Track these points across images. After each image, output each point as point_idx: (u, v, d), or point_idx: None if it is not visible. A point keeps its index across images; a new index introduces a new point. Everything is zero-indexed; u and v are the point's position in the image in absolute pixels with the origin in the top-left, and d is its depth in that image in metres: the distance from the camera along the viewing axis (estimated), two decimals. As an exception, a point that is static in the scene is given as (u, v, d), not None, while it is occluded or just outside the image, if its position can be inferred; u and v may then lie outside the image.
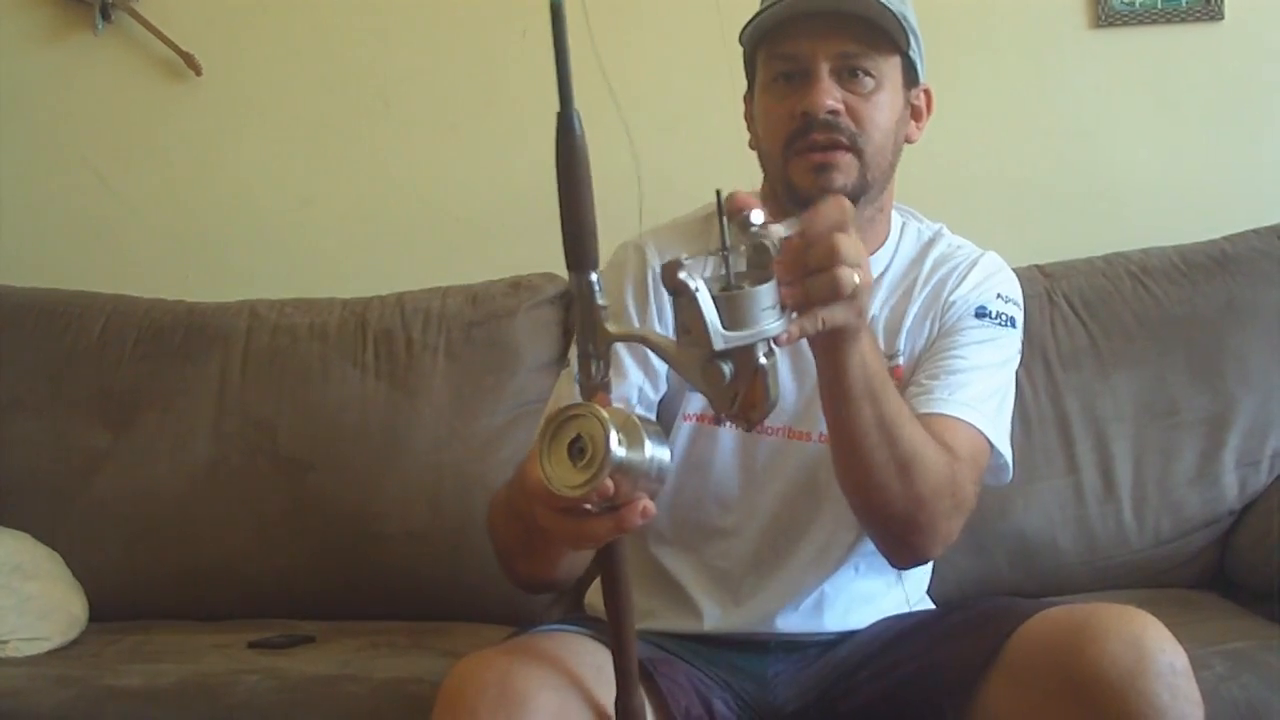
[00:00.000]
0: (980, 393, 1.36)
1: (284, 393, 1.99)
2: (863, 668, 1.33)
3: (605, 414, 0.92)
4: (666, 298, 1.35)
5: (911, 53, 1.36)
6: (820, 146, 1.32)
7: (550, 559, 1.26)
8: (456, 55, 2.25)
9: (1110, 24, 2.20)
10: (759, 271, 1.00)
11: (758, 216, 0.99)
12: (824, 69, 1.32)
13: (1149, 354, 1.95)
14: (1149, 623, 1.13)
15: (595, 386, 0.99)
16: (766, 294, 0.97)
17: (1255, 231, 2.03)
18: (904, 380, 1.39)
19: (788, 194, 1.35)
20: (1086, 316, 1.98)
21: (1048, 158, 2.21)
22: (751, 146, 1.43)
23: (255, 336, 2.03)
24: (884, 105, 1.35)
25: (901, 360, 1.40)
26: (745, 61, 1.43)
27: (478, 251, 2.23)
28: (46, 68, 2.26)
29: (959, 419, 1.32)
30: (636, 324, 1.39)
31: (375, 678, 1.53)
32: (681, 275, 0.95)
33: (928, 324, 1.41)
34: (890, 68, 1.35)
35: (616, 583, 1.07)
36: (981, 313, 1.40)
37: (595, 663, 1.17)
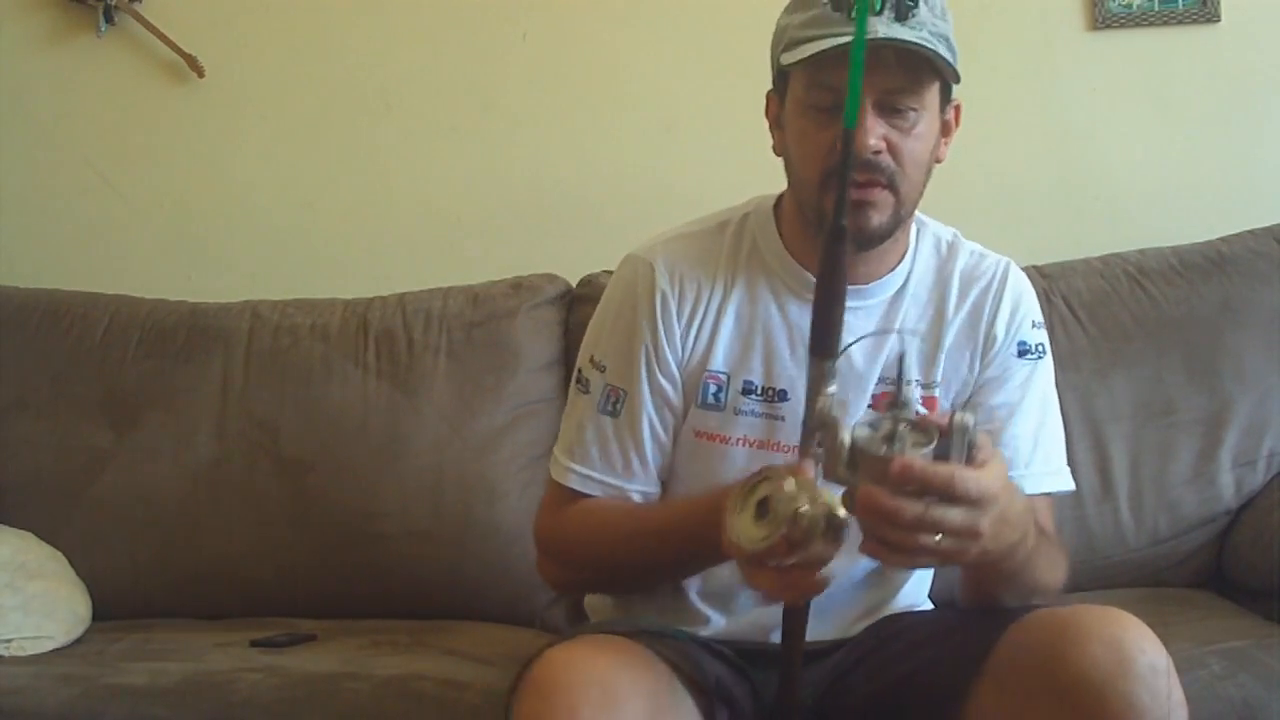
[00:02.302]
0: (1049, 447, 1.39)
1: (286, 393, 2.00)
2: (855, 669, 1.34)
3: (794, 483, 1.02)
4: (675, 318, 1.36)
5: (950, 76, 1.31)
6: (858, 184, 1.28)
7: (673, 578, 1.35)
8: (457, 57, 2.26)
9: (1107, 26, 2.21)
10: (924, 432, 1.05)
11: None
12: (868, 106, 1.27)
13: (1146, 354, 1.96)
14: (1130, 624, 1.13)
15: (807, 453, 1.08)
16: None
17: (1251, 232, 2.04)
18: (938, 409, 1.39)
19: (819, 223, 1.32)
20: (1084, 317, 1.98)
21: (1045, 159, 2.22)
22: (776, 152, 1.39)
23: (257, 337, 2.03)
24: (924, 137, 1.31)
25: (939, 391, 1.40)
26: (774, 61, 1.37)
27: (478, 252, 2.24)
28: (49, 69, 2.27)
29: (1043, 494, 1.36)
30: (647, 340, 1.39)
31: (377, 675, 1.53)
32: (835, 413, 1.06)
33: (967, 354, 1.41)
34: (931, 95, 1.31)
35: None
36: (1023, 350, 1.41)
37: (668, 671, 1.19)
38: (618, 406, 1.38)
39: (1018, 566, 1.17)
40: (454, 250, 2.25)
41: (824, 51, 1.26)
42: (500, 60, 2.25)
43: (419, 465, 1.94)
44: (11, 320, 2.06)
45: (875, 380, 1.39)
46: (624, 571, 1.38)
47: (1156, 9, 2.20)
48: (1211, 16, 2.19)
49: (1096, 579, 1.89)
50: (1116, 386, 1.95)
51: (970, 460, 1.05)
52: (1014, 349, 1.41)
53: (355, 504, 1.93)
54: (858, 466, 1.03)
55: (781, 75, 1.36)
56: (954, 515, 1.02)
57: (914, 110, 1.30)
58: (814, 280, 1.37)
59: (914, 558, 1.06)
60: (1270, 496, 1.89)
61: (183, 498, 1.96)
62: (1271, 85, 2.21)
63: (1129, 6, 2.20)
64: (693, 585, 1.42)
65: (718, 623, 1.41)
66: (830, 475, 1.06)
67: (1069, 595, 1.71)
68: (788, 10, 1.34)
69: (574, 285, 2.07)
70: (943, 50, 1.28)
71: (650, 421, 1.39)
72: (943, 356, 1.40)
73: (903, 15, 1.25)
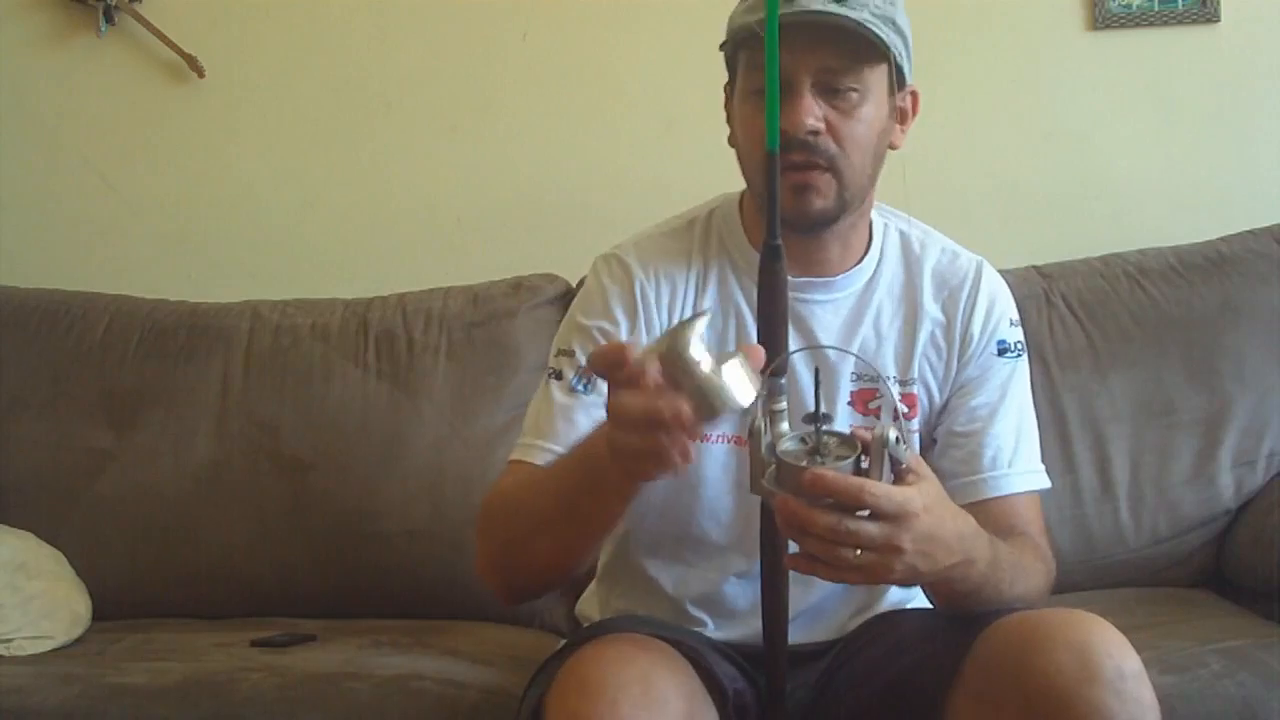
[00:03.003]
0: (1027, 446, 1.39)
1: (286, 393, 2.00)
2: (842, 670, 1.34)
3: (702, 327, 0.97)
4: (655, 310, 1.36)
5: (899, 58, 1.30)
6: (798, 166, 1.28)
7: (582, 536, 1.22)
8: (457, 57, 2.26)
9: (1107, 26, 2.21)
10: (849, 446, 1.04)
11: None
12: (805, 85, 1.27)
13: (1146, 354, 1.96)
14: (1096, 628, 1.12)
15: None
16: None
17: (1251, 232, 2.04)
18: (918, 407, 1.40)
19: (768, 209, 1.34)
20: (1084, 317, 1.98)
21: (1045, 159, 2.22)
22: (730, 143, 1.39)
23: (257, 337, 2.04)
24: (867, 119, 1.30)
25: (916, 388, 1.40)
26: (726, 58, 1.37)
27: (478, 252, 2.24)
28: (50, 70, 2.27)
29: (1023, 493, 1.36)
30: (625, 330, 1.37)
31: (377, 675, 1.53)
32: (759, 423, 1.05)
33: (944, 352, 1.41)
34: (876, 77, 1.30)
35: (774, 577, 1.12)
36: (1002, 348, 1.40)
37: (694, 672, 1.19)
38: (589, 386, 1.35)
39: (972, 589, 1.16)
40: (454, 250, 2.26)
41: (745, 26, 1.27)
42: (500, 60, 2.25)
43: (419, 465, 1.94)
44: (11, 320, 2.06)
45: (849, 375, 1.39)
46: (533, 521, 1.25)
47: (1156, 9, 2.20)
48: (1211, 16, 2.19)
49: (1096, 579, 1.89)
50: (1116, 386, 1.95)
51: (899, 478, 1.06)
52: (993, 348, 1.40)
53: (355, 504, 1.94)
54: (782, 479, 1.03)
55: (731, 66, 1.36)
56: (870, 529, 1.02)
57: (854, 91, 1.28)
58: None
59: (837, 572, 1.04)
60: (1270, 496, 1.89)
61: (183, 497, 1.96)
62: (1271, 85, 2.21)
63: (1129, 6, 2.20)
64: (683, 592, 1.42)
65: (712, 629, 1.42)
66: (755, 487, 1.06)
67: (1065, 595, 1.73)
68: (740, 3, 1.35)
69: (574, 285, 2.07)
70: (883, 31, 1.27)
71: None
72: (918, 353, 1.40)
73: None
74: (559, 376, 1.38)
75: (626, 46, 2.23)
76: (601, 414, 1.26)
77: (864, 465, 1.03)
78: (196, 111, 2.28)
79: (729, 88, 1.38)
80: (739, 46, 1.33)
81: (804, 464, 1.02)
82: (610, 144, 2.25)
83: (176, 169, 2.29)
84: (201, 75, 2.25)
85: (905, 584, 1.09)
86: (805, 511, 1.01)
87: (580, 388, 1.35)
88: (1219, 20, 2.20)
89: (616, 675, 1.10)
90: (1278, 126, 2.22)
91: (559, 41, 2.25)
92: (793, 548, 1.07)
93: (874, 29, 1.26)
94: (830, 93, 1.28)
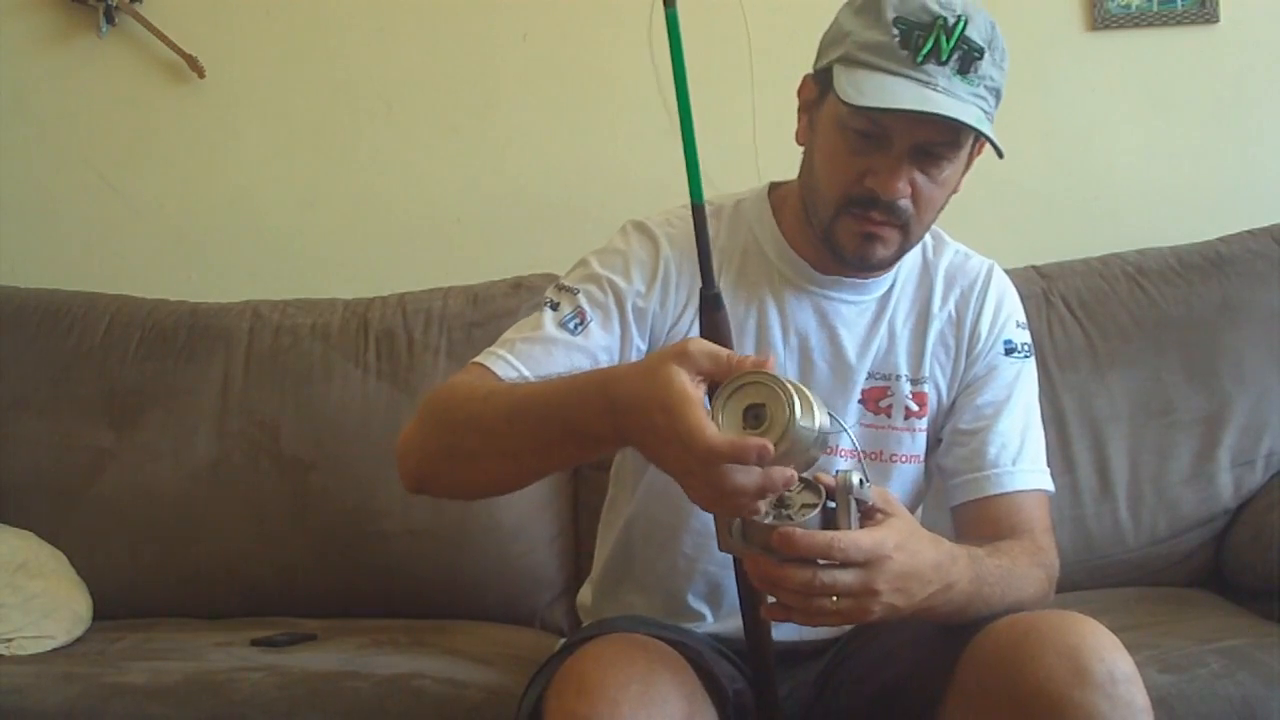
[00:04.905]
0: (1033, 445, 1.39)
1: (286, 393, 2.00)
2: (840, 670, 1.35)
3: (789, 386, 0.97)
4: (674, 290, 1.35)
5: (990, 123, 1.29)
6: (874, 220, 1.30)
7: (543, 470, 1.23)
8: (457, 57, 2.26)
9: (1106, 27, 2.21)
10: (814, 493, 1.05)
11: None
12: (905, 151, 1.27)
13: (1145, 354, 1.96)
14: (1087, 631, 1.12)
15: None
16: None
17: (1250, 232, 2.05)
18: (928, 405, 1.40)
19: (826, 240, 1.34)
20: (1083, 317, 1.99)
21: (1045, 159, 2.22)
22: (799, 140, 1.38)
23: (258, 337, 2.04)
24: (948, 182, 1.32)
25: (927, 386, 1.41)
26: (823, 53, 1.33)
27: (478, 252, 2.24)
28: (50, 70, 2.27)
29: (1029, 491, 1.36)
30: (639, 290, 1.36)
31: (377, 674, 1.54)
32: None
33: (952, 351, 1.42)
34: (967, 146, 1.32)
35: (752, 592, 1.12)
36: (1009, 348, 1.42)
37: (694, 673, 1.19)
38: (579, 327, 1.33)
39: (955, 610, 1.17)
40: (454, 250, 2.26)
41: (881, 95, 1.24)
42: (500, 60, 2.25)
43: (419, 465, 1.94)
44: (11, 320, 2.06)
45: (865, 374, 1.40)
46: (489, 440, 1.20)
47: (1155, 9, 2.21)
48: (1210, 17, 2.20)
49: (1095, 578, 1.89)
50: (1115, 386, 1.95)
51: (868, 517, 1.06)
52: (1000, 348, 1.42)
53: (355, 503, 1.94)
54: (749, 535, 1.03)
55: (827, 70, 1.31)
56: (845, 577, 1.03)
57: (948, 160, 1.30)
58: (813, 271, 1.38)
59: (815, 619, 1.05)
60: (1269, 496, 1.89)
61: (183, 497, 1.96)
62: (1270, 85, 2.22)
63: (1128, 7, 2.21)
64: (684, 584, 1.43)
65: (711, 621, 1.43)
66: (723, 545, 1.06)
67: (1065, 595, 1.73)
68: (854, 10, 1.30)
69: (573, 285, 2.07)
70: (990, 106, 1.28)
71: (606, 357, 1.33)
72: (928, 352, 1.41)
73: (966, 68, 1.25)
74: (555, 308, 1.36)
75: (626, 46, 2.23)
76: (580, 359, 1.30)
77: (831, 505, 1.04)
78: (196, 111, 2.28)
79: (816, 85, 1.35)
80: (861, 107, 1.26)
81: (769, 520, 1.02)
82: (610, 144, 2.25)
83: (177, 169, 2.29)
84: (201, 75, 2.25)
85: (886, 620, 1.10)
86: (777, 569, 1.03)
87: (570, 326, 1.34)
88: (1218, 20, 2.20)
89: (616, 675, 1.10)
90: (1277, 126, 2.22)
91: (559, 41, 2.25)
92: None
93: (984, 126, 1.26)
94: (925, 157, 1.28)
